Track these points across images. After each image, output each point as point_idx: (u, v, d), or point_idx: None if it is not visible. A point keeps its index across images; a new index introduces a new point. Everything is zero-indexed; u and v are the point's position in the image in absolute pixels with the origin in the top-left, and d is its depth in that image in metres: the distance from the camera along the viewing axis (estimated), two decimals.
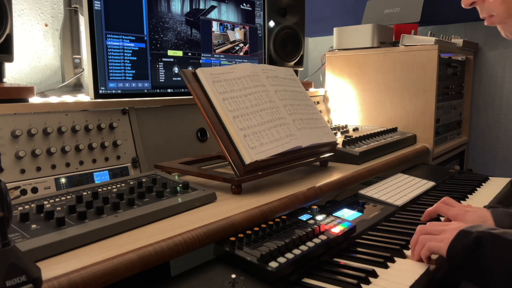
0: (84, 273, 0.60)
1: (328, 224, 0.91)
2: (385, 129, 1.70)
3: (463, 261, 0.75)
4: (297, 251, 0.77)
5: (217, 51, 1.44)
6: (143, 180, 0.96)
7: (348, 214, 1.05)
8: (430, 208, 1.03)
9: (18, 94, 0.98)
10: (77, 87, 1.40)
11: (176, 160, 1.18)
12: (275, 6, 1.75)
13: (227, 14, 1.46)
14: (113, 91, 1.15)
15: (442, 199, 1.03)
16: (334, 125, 1.83)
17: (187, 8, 1.33)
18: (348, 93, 1.94)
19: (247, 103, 1.08)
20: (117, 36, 1.15)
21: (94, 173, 1.06)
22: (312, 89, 1.93)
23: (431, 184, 1.38)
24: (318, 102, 1.91)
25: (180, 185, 0.93)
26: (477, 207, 0.99)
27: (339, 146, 1.38)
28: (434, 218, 1.04)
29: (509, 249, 0.70)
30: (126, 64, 1.18)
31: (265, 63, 1.62)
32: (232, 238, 0.78)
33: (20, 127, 0.95)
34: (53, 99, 1.10)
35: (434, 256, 0.84)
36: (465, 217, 0.94)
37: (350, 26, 1.93)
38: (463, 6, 0.87)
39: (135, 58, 1.20)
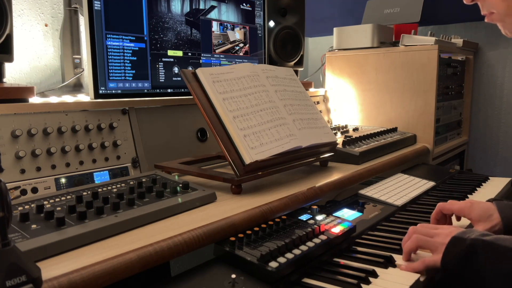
0: (84, 273, 0.60)
1: (328, 224, 0.91)
2: (385, 129, 1.70)
3: (458, 269, 0.75)
4: (297, 251, 0.77)
5: (217, 51, 1.44)
6: (143, 180, 0.96)
7: (348, 214, 1.05)
8: (433, 212, 1.00)
9: (18, 94, 0.98)
10: (77, 87, 1.40)
11: (176, 160, 1.18)
12: (275, 6, 1.75)
13: (227, 14, 1.46)
14: (113, 91, 1.15)
15: (438, 205, 1.01)
16: (334, 125, 1.83)
17: (187, 8, 1.33)
18: (348, 93, 1.94)
19: (247, 103, 1.08)
20: (117, 36, 1.15)
21: (94, 173, 1.06)
22: (312, 89, 1.93)
23: (431, 184, 1.38)
24: (318, 102, 1.91)
25: (180, 185, 0.93)
26: (481, 200, 0.98)
27: (339, 146, 1.38)
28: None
29: (502, 255, 0.71)
30: (126, 64, 1.18)
31: (265, 63, 1.62)
32: (232, 238, 0.78)
33: (20, 127, 0.95)
34: (53, 99, 1.10)
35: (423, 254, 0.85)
36: (471, 211, 0.94)
37: (350, 26, 1.93)
38: (465, 2, 0.86)
39: (135, 58, 1.20)
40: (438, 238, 0.81)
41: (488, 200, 0.98)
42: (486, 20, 0.87)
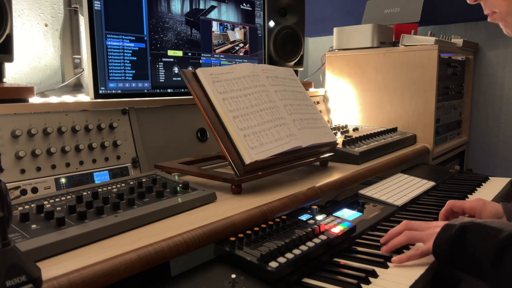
0: (84, 273, 0.60)
1: (328, 224, 0.91)
2: (385, 129, 1.70)
3: (450, 252, 0.77)
4: (297, 251, 0.77)
5: (217, 51, 1.44)
6: (143, 180, 0.96)
7: (348, 214, 1.05)
8: (443, 209, 1.01)
9: (18, 94, 0.98)
10: (77, 87, 1.40)
11: (176, 160, 1.18)
12: (275, 6, 1.75)
13: (227, 14, 1.46)
14: (113, 91, 1.15)
15: (448, 202, 1.01)
16: (334, 125, 1.83)
17: (187, 8, 1.33)
18: (348, 93, 1.94)
19: (247, 103, 1.08)
20: (117, 36, 1.15)
21: (94, 173, 1.06)
22: (312, 89, 1.92)
23: (431, 184, 1.38)
24: (318, 102, 1.91)
25: (180, 185, 0.93)
26: (490, 201, 0.98)
27: (339, 146, 1.38)
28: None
29: (490, 235, 0.73)
30: (126, 64, 1.18)
31: (265, 63, 1.62)
32: (232, 238, 0.78)
33: (20, 127, 0.95)
34: (53, 99, 1.10)
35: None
36: (483, 210, 0.95)
37: (350, 26, 1.93)
38: (468, 2, 0.87)
39: (135, 58, 1.20)
40: (430, 230, 0.84)
41: (495, 200, 0.98)
42: (488, 20, 0.88)
